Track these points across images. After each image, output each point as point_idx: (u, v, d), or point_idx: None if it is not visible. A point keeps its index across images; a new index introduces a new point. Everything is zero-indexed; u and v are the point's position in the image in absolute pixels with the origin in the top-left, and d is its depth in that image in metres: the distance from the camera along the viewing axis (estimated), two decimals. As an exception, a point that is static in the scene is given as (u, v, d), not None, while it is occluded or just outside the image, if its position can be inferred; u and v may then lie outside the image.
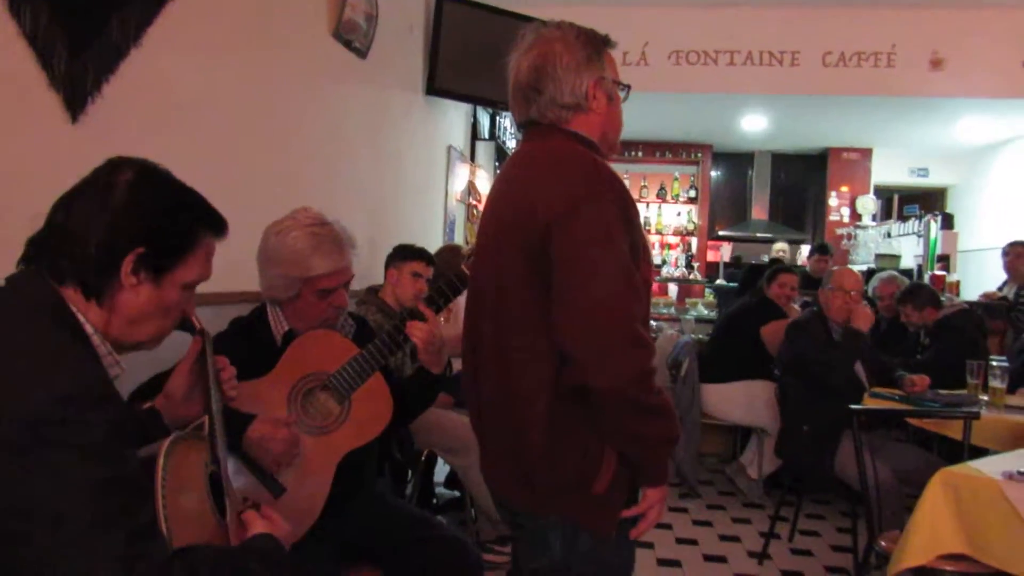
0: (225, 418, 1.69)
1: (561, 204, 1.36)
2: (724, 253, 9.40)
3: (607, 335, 1.31)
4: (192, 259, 1.20)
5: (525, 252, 1.39)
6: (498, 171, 8.15)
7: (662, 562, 3.48)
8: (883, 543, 2.50)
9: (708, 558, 3.57)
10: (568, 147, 1.48)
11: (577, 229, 1.34)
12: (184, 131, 2.28)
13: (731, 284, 7.02)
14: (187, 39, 2.25)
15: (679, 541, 3.76)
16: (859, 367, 3.58)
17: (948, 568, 2.13)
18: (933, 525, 2.11)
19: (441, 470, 4.13)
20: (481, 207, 6.60)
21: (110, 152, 1.94)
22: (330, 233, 1.93)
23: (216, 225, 1.25)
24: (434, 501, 3.98)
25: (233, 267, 2.47)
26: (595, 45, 1.52)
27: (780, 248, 8.77)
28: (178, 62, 2.22)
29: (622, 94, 1.58)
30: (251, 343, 1.91)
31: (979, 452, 2.73)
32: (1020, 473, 2.05)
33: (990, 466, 2.18)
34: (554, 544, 1.45)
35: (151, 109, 2.12)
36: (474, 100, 5.69)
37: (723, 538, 3.85)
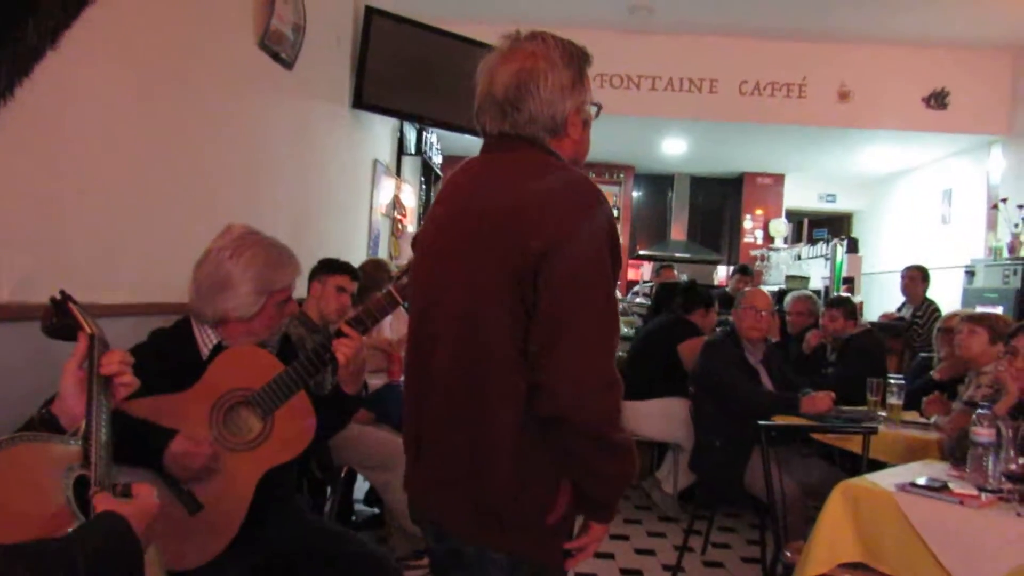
0: (146, 432, 1.67)
1: (557, 231, 1.29)
2: (644, 272, 9.63)
3: (591, 373, 1.30)
4: None
5: (513, 276, 1.31)
6: (440, 181, 8.14)
7: (580, 576, 3.53)
8: (788, 554, 2.61)
9: (624, 571, 3.64)
10: (556, 166, 1.41)
11: (572, 262, 1.29)
12: (101, 138, 2.22)
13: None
14: (107, 44, 2.20)
15: (597, 555, 3.81)
16: (768, 382, 3.73)
17: (846, 576, 2.25)
18: (833, 535, 2.23)
19: (360, 487, 4.10)
20: (406, 221, 6.59)
21: (24, 156, 1.90)
22: (279, 244, 2.01)
23: None
24: (353, 518, 3.94)
25: (152, 279, 2.44)
26: (578, 65, 1.45)
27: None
28: (97, 67, 2.17)
29: (593, 111, 1.51)
30: (174, 356, 1.88)
31: (878, 465, 2.88)
32: (913, 485, 2.18)
33: (886, 479, 2.32)
34: (495, 574, 1.41)
35: (67, 114, 2.07)
36: (401, 115, 5.70)
37: (639, 551, 3.93)
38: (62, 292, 1.48)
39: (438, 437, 1.44)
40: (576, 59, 1.45)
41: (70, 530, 1.14)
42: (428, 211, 1.61)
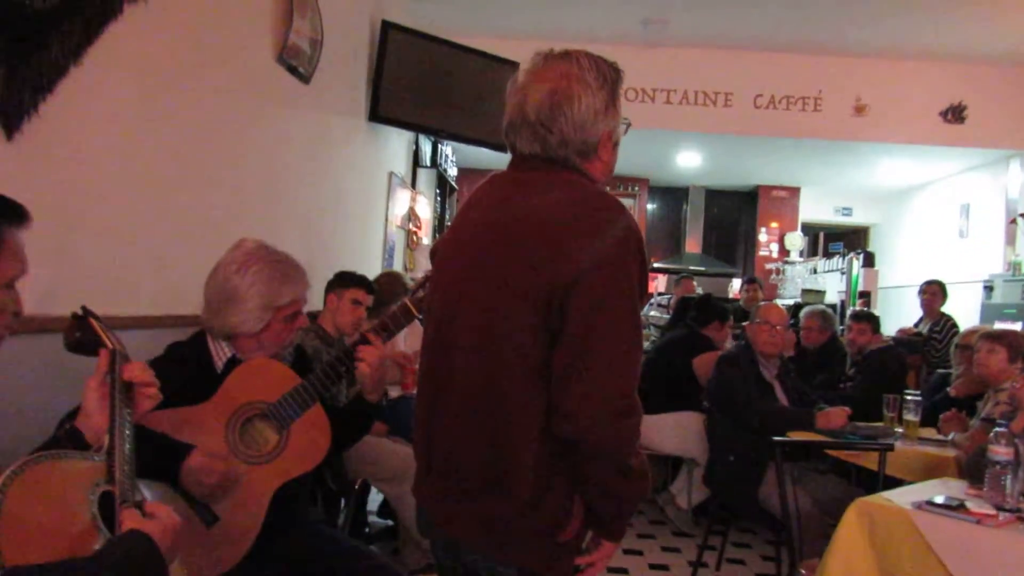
0: (163, 447, 1.69)
1: (591, 258, 1.29)
2: (659, 284, 9.61)
3: (612, 399, 1.30)
4: (3, 258, 1.20)
5: (539, 299, 1.31)
6: (455, 194, 8.16)
7: (593, 590, 3.51)
8: (804, 570, 2.59)
9: (638, 586, 3.62)
10: (588, 187, 1.41)
11: (601, 290, 1.29)
12: (120, 152, 2.25)
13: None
14: (127, 59, 2.23)
15: (611, 570, 3.80)
16: (783, 397, 3.70)
17: (862, 595, 2.23)
18: (848, 553, 2.21)
19: (374, 499, 4.10)
20: (421, 233, 6.62)
21: (46, 171, 1.93)
22: (287, 259, 2.00)
23: (15, 215, 1.23)
24: (366, 530, 3.94)
25: (169, 292, 2.46)
26: (611, 87, 1.43)
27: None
28: (119, 82, 2.20)
29: (623, 129, 1.49)
30: (190, 369, 1.90)
31: (894, 482, 2.85)
32: (929, 503, 2.16)
33: (902, 496, 2.30)
34: None
35: (89, 129, 2.10)
36: (416, 128, 5.74)
37: (653, 567, 3.91)
38: (83, 308, 1.49)
39: (453, 450, 1.44)
40: (609, 80, 1.43)
41: (96, 548, 1.15)
42: (451, 223, 1.60)
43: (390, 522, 4.00)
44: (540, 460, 1.35)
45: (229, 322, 1.93)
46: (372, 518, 4.11)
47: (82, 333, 1.46)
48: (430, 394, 1.49)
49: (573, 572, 1.46)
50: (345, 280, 3.25)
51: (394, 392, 3.56)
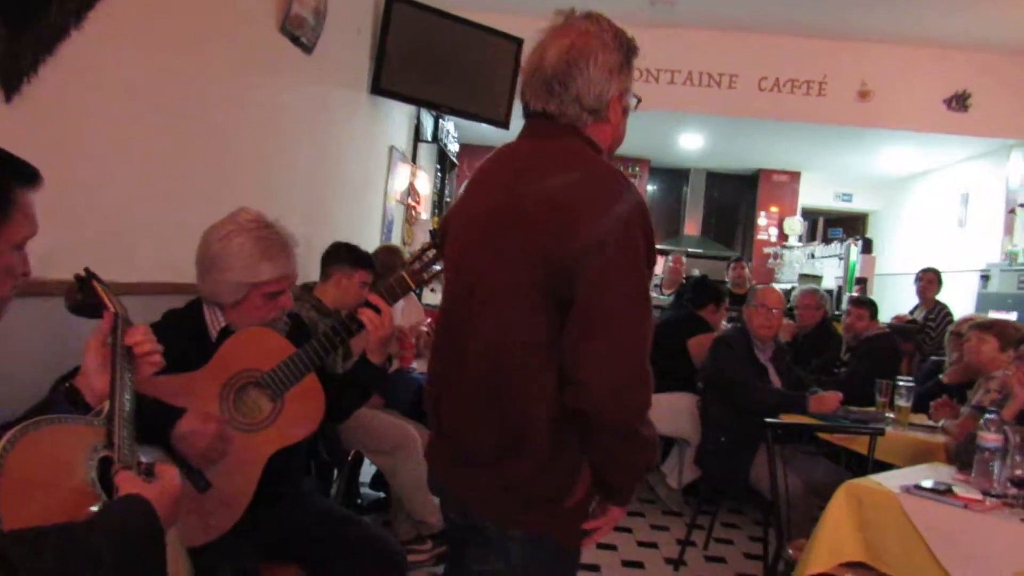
0: (154, 411, 1.69)
1: (598, 231, 1.30)
2: (656, 266, 9.61)
3: (625, 372, 1.31)
4: (15, 219, 1.20)
5: (548, 273, 1.32)
6: (456, 169, 8.11)
7: (582, 566, 3.54)
8: (791, 551, 2.62)
9: (626, 563, 3.66)
10: (596, 161, 1.41)
11: (612, 262, 1.30)
12: (121, 118, 2.24)
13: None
14: (132, 24, 2.22)
15: (600, 546, 3.84)
16: (776, 380, 3.73)
17: (848, 575, 2.26)
18: (836, 534, 2.24)
19: (367, 471, 4.13)
20: (420, 208, 6.60)
21: (45, 134, 1.92)
22: (275, 236, 1.94)
23: (29, 177, 1.23)
24: (359, 501, 3.97)
25: (167, 260, 2.46)
26: (628, 51, 1.46)
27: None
28: (120, 47, 2.19)
29: (633, 102, 1.52)
30: (185, 336, 1.90)
31: (884, 467, 2.88)
32: (917, 487, 2.19)
33: (891, 480, 2.32)
34: (514, 551, 1.44)
35: (89, 94, 2.08)
36: (418, 102, 5.70)
37: (641, 544, 3.95)
38: (87, 270, 1.48)
39: (464, 419, 1.47)
40: (624, 44, 1.47)
41: (94, 510, 1.14)
42: (461, 194, 1.62)
43: (382, 494, 4.03)
44: (548, 429, 1.38)
45: (207, 288, 1.93)
46: (364, 490, 4.14)
47: (84, 295, 1.44)
48: (443, 362, 1.52)
49: (580, 535, 1.49)
50: (357, 260, 3.15)
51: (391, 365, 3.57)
